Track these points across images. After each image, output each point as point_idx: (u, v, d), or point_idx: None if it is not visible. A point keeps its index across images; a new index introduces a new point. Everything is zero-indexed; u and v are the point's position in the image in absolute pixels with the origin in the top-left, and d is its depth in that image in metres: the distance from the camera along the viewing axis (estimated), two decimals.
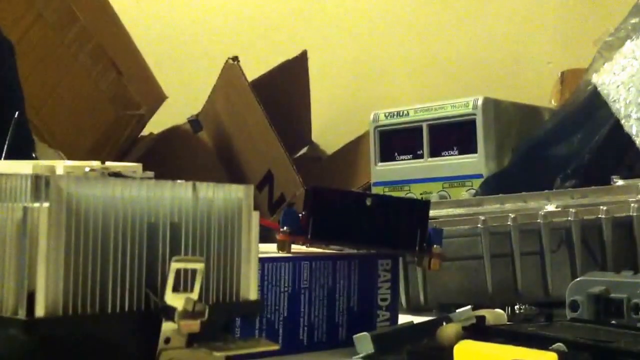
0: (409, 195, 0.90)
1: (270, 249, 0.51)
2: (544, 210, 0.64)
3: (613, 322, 0.48)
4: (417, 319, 0.55)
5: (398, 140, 0.92)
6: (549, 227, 0.63)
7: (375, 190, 0.93)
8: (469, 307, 0.54)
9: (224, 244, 0.38)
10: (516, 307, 0.62)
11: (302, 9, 1.38)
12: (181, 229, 0.36)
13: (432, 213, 0.55)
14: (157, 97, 1.20)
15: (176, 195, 0.36)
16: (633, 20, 0.75)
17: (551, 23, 1.18)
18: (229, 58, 1.08)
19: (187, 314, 0.34)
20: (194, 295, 0.35)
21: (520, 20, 1.20)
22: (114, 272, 0.34)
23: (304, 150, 1.32)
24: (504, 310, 0.58)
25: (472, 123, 0.85)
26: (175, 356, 0.35)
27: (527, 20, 1.19)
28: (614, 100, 0.70)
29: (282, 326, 0.49)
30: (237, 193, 0.39)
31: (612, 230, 0.62)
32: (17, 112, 0.51)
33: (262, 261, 0.48)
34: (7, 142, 0.47)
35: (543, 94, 1.07)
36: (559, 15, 1.17)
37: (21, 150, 0.52)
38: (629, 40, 0.74)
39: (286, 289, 0.50)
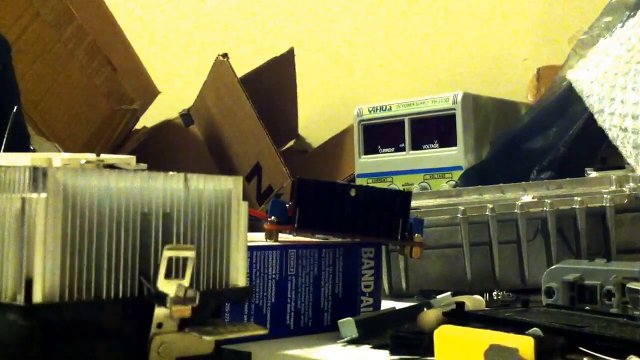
0: (392, 186, 0.91)
1: (258, 238, 0.52)
2: (521, 201, 0.65)
3: (587, 307, 0.49)
4: (399, 305, 0.57)
5: (381, 133, 0.93)
6: (525, 217, 0.64)
7: (359, 181, 0.94)
8: (449, 293, 0.56)
9: (214, 233, 0.39)
10: (494, 293, 0.63)
11: (290, 7, 1.39)
12: (173, 218, 0.37)
13: (413, 203, 0.55)
14: (150, 93, 1.20)
15: (168, 186, 0.37)
16: (606, 19, 0.77)
17: (528, 22, 1.19)
18: (219, 55, 1.09)
19: (178, 300, 0.35)
20: (186, 282, 0.36)
21: (498, 19, 1.22)
22: (109, 260, 0.35)
23: (291, 143, 1.32)
24: (483, 296, 0.58)
25: (452, 117, 0.86)
26: (167, 340, 0.36)
27: (504, 20, 1.21)
28: (588, 96, 0.71)
29: (269, 311, 0.50)
30: (227, 184, 0.40)
31: (586, 220, 0.63)
32: (15, 107, 0.51)
33: (251, 249, 0.48)
34: (5, 136, 0.47)
35: (520, 90, 1.09)
36: (535, 14, 1.19)
37: (18, 144, 0.52)
38: (602, 38, 0.75)
39: (274, 276, 0.51)
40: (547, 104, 0.79)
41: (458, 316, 0.45)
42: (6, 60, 0.73)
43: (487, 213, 0.65)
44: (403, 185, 0.90)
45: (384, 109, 0.93)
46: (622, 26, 0.74)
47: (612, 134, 0.69)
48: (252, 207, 0.47)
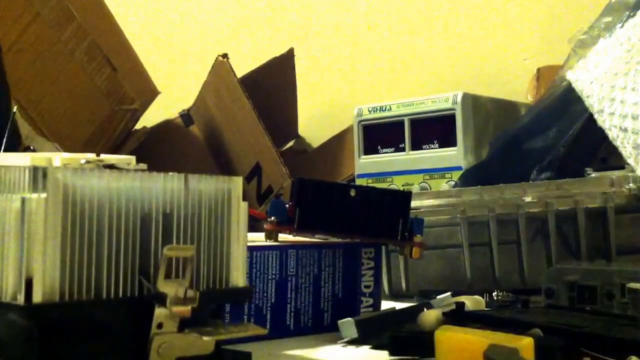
0: (392, 186, 0.91)
1: (258, 238, 0.52)
2: (521, 201, 0.65)
3: (587, 308, 0.50)
4: (399, 305, 0.57)
5: (381, 134, 0.93)
6: (525, 217, 0.65)
7: (359, 181, 0.94)
8: (449, 293, 0.56)
9: (214, 233, 0.39)
10: (494, 293, 0.63)
11: (290, 8, 1.39)
12: (173, 218, 0.37)
13: (413, 203, 0.55)
14: (150, 93, 1.20)
15: (168, 187, 0.37)
16: (606, 19, 0.77)
17: (528, 22, 1.20)
18: (219, 55, 1.09)
19: (178, 300, 0.36)
20: (186, 282, 0.36)
21: (498, 19, 1.22)
22: (109, 260, 0.35)
23: (291, 143, 1.33)
24: (483, 296, 0.58)
25: (452, 117, 0.86)
26: (167, 341, 0.36)
27: (504, 20, 1.21)
28: (588, 96, 0.71)
29: (269, 312, 0.50)
30: (227, 184, 0.40)
31: (586, 221, 0.63)
32: (15, 107, 0.51)
33: (251, 250, 0.49)
34: (5, 136, 0.47)
35: (520, 90, 1.09)
36: (535, 14, 1.19)
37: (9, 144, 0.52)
38: (602, 39, 0.75)
39: (274, 276, 0.51)
40: (547, 104, 0.79)
41: (458, 316, 0.45)
42: None
43: (487, 213, 0.66)
44: (403, 185, 0.90)
45: (383, 109, 0.93)
46: (622, 26, 0.74)
47: (612, 134, 0.69)
48: (252, 208, 0.47)
